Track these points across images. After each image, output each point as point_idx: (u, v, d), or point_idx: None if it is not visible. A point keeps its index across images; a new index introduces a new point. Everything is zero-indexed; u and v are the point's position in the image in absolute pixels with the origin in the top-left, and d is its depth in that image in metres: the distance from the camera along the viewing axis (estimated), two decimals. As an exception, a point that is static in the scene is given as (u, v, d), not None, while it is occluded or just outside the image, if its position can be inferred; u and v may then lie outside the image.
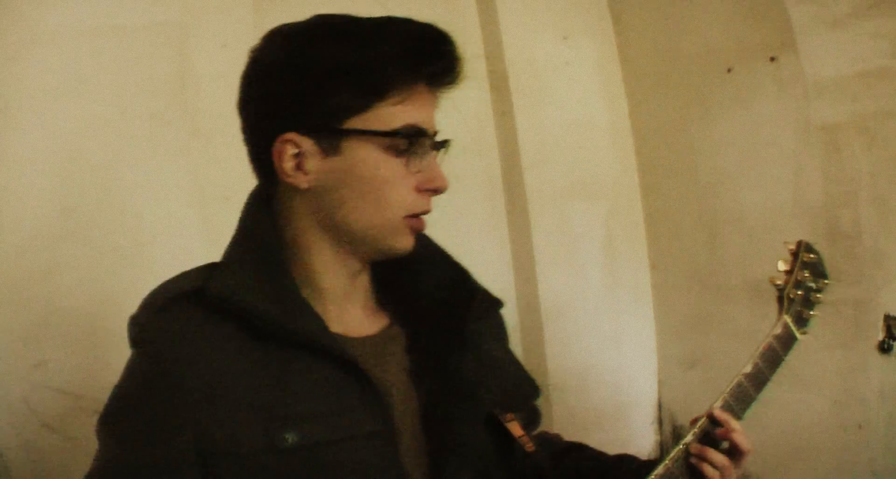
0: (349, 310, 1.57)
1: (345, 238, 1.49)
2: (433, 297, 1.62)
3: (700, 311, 3.90)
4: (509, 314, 4.08)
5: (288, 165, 1.45)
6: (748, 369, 1.85)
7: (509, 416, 1.59)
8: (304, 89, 1.42)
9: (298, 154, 1.45)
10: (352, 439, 1.39)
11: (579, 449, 1.96)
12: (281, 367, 1.40)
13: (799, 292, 1.93)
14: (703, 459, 1.69)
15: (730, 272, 3.74)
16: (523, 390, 1.76)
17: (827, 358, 3.44)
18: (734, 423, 1.76)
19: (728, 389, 1.83)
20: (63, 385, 3.11)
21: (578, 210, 4.08)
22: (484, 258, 4.06)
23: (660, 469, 1.66)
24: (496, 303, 1.77)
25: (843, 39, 3.12)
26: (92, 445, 3.03)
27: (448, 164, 3.79)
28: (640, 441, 4.30)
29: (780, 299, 1.93)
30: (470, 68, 3.81)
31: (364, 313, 1.60)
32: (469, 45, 3.91)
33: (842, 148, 3.22)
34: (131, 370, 1.47)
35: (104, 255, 3.15)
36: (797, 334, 1.93)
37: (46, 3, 3.09)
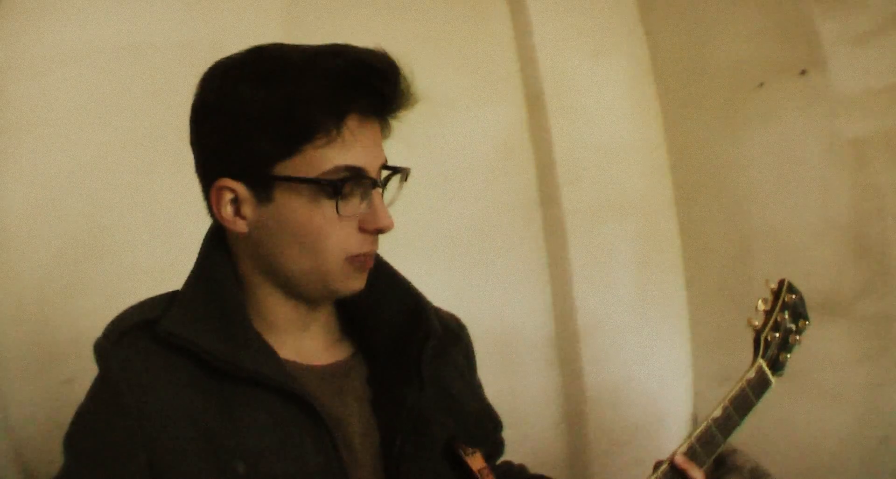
0: (307, 341, 1.56)
1: (288, 283, 1.48)
2: (391, 330, 1.60)
3: (733, 326, 3.89)
4: (546, 331, 4.12)
5: (226, 209, 1.46)
6: (717, 413, 1.82)
7: (470, 449, 1.58)
8: (230, 135, 1.42)
9: (236, 199, 1.45)
10: (301, 474, 1.40)
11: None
12: (230, 400, 1.41)
13: (776, 335, 1.91)
14: None
15: (762, 288, 3.72)
16: (484, 426, 1.75)
17: (852, 372, 3.43)
18: (695, 472, 1.70)
19: (695, 433, 1.78)
20: (90, 404, 3.16)
21: (613, 227, 4.09)
22: (521, 275, 4.09)
23: None
24: (457, 334, 1.76)
25: (870, 55, 3.12)
26: None
27: (485, 181, 3.82)
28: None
29: (756, 342, 1.92)
30: (505, 89, 3.87)
31: (325, 343, 1.60)
32: (505, 62, 3.97)
33: (869, 163, 3.22)
34: (92, 395, 1.50)
35: (134, 273, 3.17)
36: (772, 379, 1.90)
37: (74, 20, 3.13)
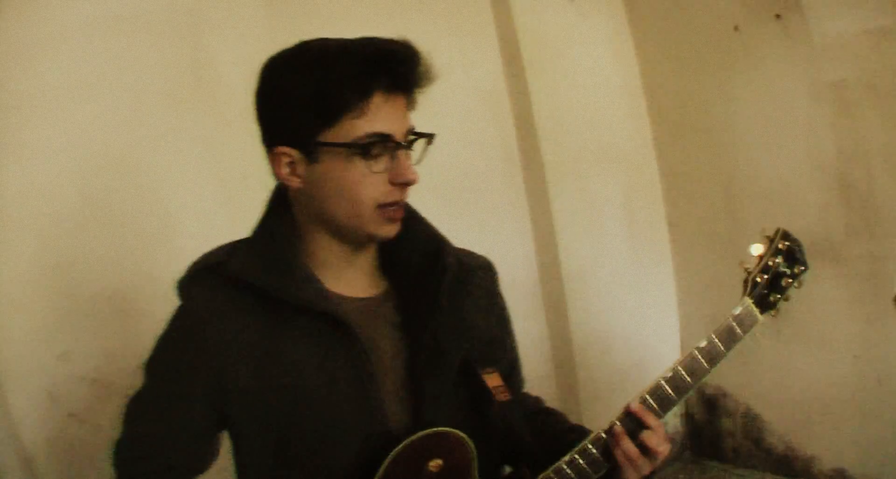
0: (351, 277, 1.86)
1: (335, 227, 1.79)
2: (418, 267, 1.90)
3: (719, 270, 3.96)
4: (530, 278, 4.15)
5: (284, 170, 1.76)
6: (703, 343, 1.91)
7: (489, 369, 1.88)
8: (283, 112, 1.73)
9: (292, 162, 1.75)
10: (335, 382, 1.74)
11: (549, 413, 2.19)
12: (282, 325, 1.74)
13: (765, 276, 1.96)
14: (617, 445, 1.83)
15: (747, 231, 3.76)
16: (494, 350, 1.97)
17: (845, 314, 3.49)
18: (651, 420, 1.84)
19: (679, 361, 1.90)
20: (90, 374, 3.17)
21: (596, 175, 4.12)
22: (504, 227, 4.13)
23: (579, 446, 1.85)
24: (475, 271, 2.02)
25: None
26: (119, 430, 3.09)
27: (465, 136, 3.82)
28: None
29: (745, 283, 1.97)
30: (482, 39, 3.87)
31: (365, 279, 1.89)
32: (480, 12, 3.96)
33: (851, 106, 3.25)
34: (170, 323, 1.83)
35: (128, 241, 3.22)
36: (759, 316, 1.95)
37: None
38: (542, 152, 4.01)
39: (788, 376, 3.83)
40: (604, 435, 1.84)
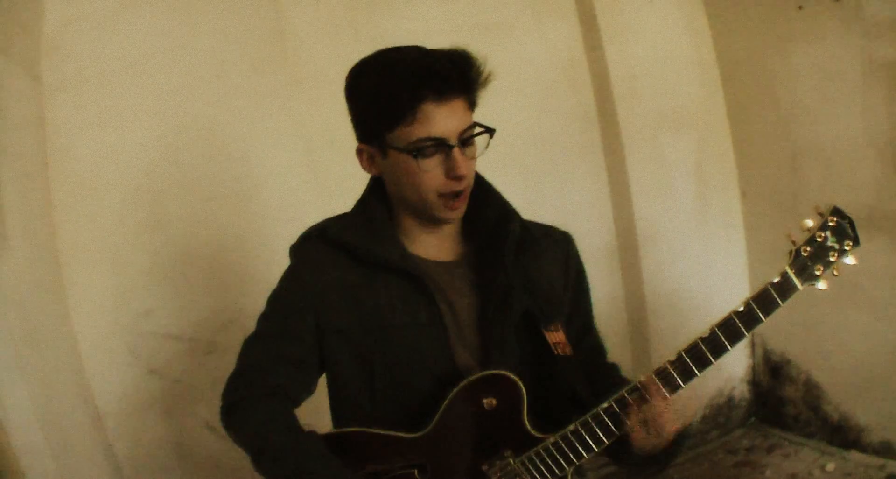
0: (433, 244, 2.16)
1: (411, 207, 2.09)
2: (489, 234, 2.16)
3: (786, 235, 3.97)
4: (607, 240, 4.22)
5: (365, 163, 2.09)
6: (740, 308, 2.00)
7: (553, 326, 2.13)
8: (357, 115, 2.04)
9: (370, 156, 2.06)
10: (413, 325, 2.05)
11: (609, 370, 2.34)
12: (372, 279, 2.08)
13: (809, 249, 2.02)
14: (626, 410, 2.00)
15: (811, 200, 3.76)
16: (558, 309, 2.19)
17: None
18: (656, 397, 1.97)
19: (717, 323, 2.00)
20: (171, 331, 3.33)
21: (669, 139, 4.17)
22: (582, 189, 4.21)
23: (592, 411, 2.01)
24: (541, 239, 2.23)
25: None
26: (197, 385, 3.29)
27: (545, 105, 3.88)
28: (733, 364, 4.42)
29: (790, 253, 2.03)
30: (560, 12, 3.92)
31: (448, 245, 2.18)
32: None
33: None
34: (284, 275, 2.18)
35: (213, 202, 3.34)
36: (798, 285, 2.02)
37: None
38: (618, 120, 4.07)
39: (845, 345, 3.85)
40: (614, 405, 2.00)
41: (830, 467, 3.87)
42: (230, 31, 3.37)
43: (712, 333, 1.99)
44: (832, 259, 2.03)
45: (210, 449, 3.34)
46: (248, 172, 3.39)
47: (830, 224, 2.04)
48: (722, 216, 4.31)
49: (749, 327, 2.00)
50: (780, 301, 2.00)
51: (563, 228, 2.35)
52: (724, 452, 4.27)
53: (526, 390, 2.02)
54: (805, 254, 2.02)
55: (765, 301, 2.00)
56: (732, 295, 4.21)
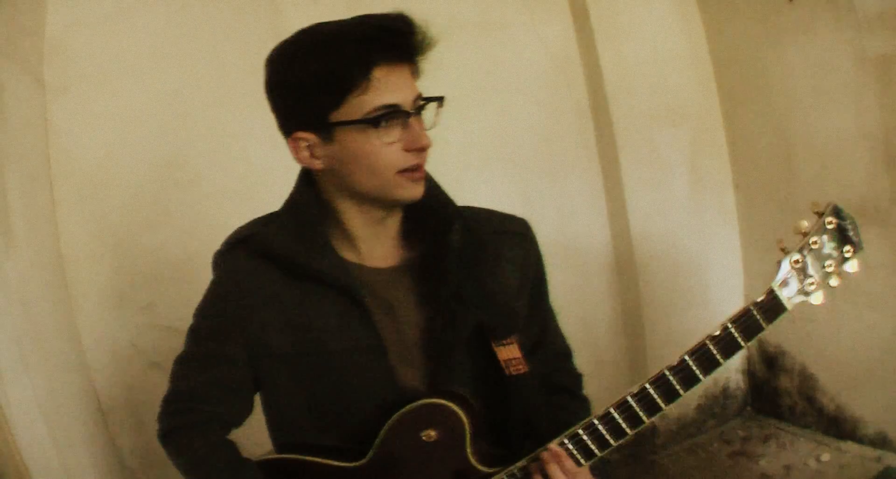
0: (377, 247, 1.97)
1: (361, 197, 1.89)
2: (433, 237, 1.97)
3: (781, 228, 3.97)
4: (602, 235, 4.28)
5: (303, 154, 1.88)
6: (717, 332, 1.80)
7: (506, 341, 1.94)
8: (293, 98, 1.84)
9: (309, 145, 1.86)
10: (353, 349, 1.89)
11: (565, 403, 2.16)
12: (305, 293, 1.91)
13: (801, 260, 1.81)
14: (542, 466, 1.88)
15: (804, 193, 3.84)
16: (513, 320, 1.99)
17: (891, 280, 3.54)
18: (551, 467, 1.85)
19: (686, 352, 1.81)
20: (174, 324, 3.29)
21: (663, 135, 4.20)
22: (577, 185, 4.24)
23: (520, 462, 1.91)
24: (490, 241, 2.04)
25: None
26: None
27: (539, 101, 3.91)
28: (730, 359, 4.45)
29: (779, 266, 1.82)
30: (553, 7, 3.95)
31: (390, 249, 1.99)
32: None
33: (894, 79, 3.31)
34: (208, 291, 2.05)
35: (213, 200, 3.39)
36: (787, 304, 1.82)
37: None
38: (612, 116, 4.09)
39: (839, 337, 3.88)
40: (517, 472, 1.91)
41: (826, 457, 3.89)
42: (230, 33, 3.42)
43: (681, 363, 1.81)
44: (829, 269, 1.82)
45: (213, 440, 3.36)
46: (248, 172, 3.44)
47: (829, 226, 1.82)
48: (716, 210, 4.34)
49: (727, 355, 1.80)
50: (763, 324, 1.80)
51: (521, 216, 2.14)
52: (719, 442, 4.29)
53: (479, 413, 1.91)
54: (796, 266, 1.81)
55: (746, 324, 1.80)
56: (727, 289, 4.29)
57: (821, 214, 1.83)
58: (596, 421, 1.85)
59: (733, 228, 4.39)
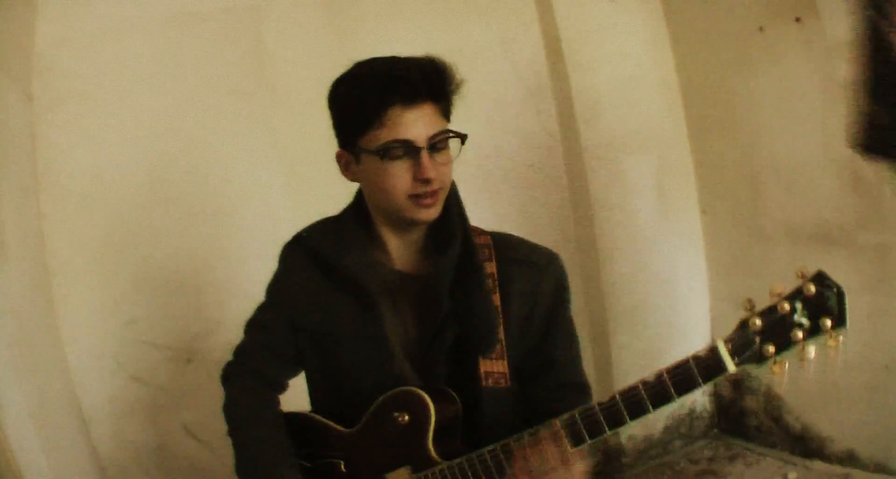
0: (405, 254, 2.22)
1: (384, 212, 2.15)
2: (438, 255, 2.17)
3: (747, 253, 4.09)
4: (568, 256, 4.27)
5: (342, 168, 2.18)
6: (650, 379, 1.71)
7: (496, 354, 2.14)
8: (334, 123, 2.13)
9: (347, 162, 2.15)
10: (360, 337, 2.17)
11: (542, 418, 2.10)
12: (332, 285, 2.21)
13: (761, 323, 1.63)
14: (510, 456, 1.96)
15: (771, 217, 3.92)
16: (486, 340, 2.15)
17: (855, 301, 3.48)
18: (551, 453, 1.88)
19: (620, 390, 1.75)
20: (154, 339, 3.46)
21: (631, 160, 4.27)
22: (544, 206, 4.32)
23: (491, 446, 1.99)
24: (513, 264, 2.21)
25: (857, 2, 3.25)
26: (178, 392, 3.46)
27: (509, 126, 3.98)
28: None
29: (739, 324, 1.66)
30: (525, 33, 4.03)
31: (415, 256, 2.23)
32: (524, 11, 4.15)
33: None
34: (275, 272, 2.39)
35: (195, 218, 3.47)
36: (730, 365, 1.64)
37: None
38: (581, 140, 4.17)
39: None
40: (499, 449, 1.97)
41: (793, 476, 3.95)
42: (213, 54, 3.51)
43: (611, 400, 1.75)
44: (795, 339, 1.61)
45: (189, 453, 3.48)
46: (229, 190, 3.53)
47: (807, 293, 1.60)
48: (683, 233, 4.41)
49: (656, 404, 1.70)
50: (700, 381, 1.66)
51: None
52: (686, 461, 4.34)
53: (458, 413, 2.13)
54: (753, 328, 1.62)
55: (682, 377, 1.68)
56: (694, 308, 4.35)
57: (803, 277, 1.61)
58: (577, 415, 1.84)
59: (699, 251, 4.46)
